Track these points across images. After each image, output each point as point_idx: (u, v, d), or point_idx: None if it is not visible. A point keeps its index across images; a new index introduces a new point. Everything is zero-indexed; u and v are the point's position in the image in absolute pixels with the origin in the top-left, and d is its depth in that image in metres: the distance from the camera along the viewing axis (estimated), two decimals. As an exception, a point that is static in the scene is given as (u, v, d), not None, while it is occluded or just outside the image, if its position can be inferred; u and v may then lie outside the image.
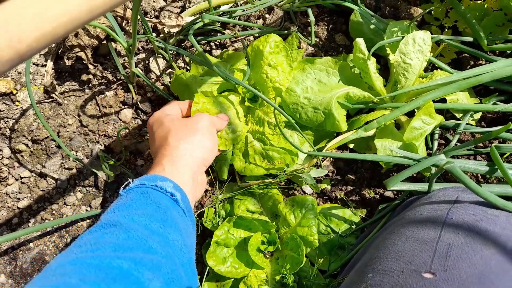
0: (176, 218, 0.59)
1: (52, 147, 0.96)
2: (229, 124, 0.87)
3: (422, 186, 0.82)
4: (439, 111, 0.94)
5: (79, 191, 0.95)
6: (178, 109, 0.82)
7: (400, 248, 0.62)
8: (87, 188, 0.96)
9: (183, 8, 1.07)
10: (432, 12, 1.03)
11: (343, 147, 0.96)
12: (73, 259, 0.47)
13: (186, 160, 0.69)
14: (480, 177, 0.90)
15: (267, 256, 0.86)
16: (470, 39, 0.97)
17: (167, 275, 0.50)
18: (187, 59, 1.03)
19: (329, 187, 0.93)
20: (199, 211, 0.93)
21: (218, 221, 0.88)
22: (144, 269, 0.48)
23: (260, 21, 1.06)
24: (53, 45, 1.00)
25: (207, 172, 0.98)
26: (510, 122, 0.72)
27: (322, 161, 0.95)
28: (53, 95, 0.97)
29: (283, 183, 0.94)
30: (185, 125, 0.73)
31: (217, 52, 1.03)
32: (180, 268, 0.53)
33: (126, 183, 0.64)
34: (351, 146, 0.96)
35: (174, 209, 0.60)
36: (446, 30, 1.01)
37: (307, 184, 0.92)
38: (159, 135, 0.73)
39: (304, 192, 0.94)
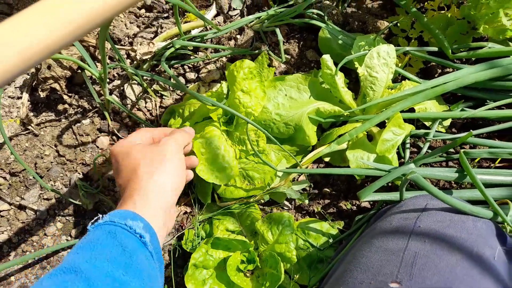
0: (142, 262, 0.57)
1: (30, 179, 0.97)
2: (217, 159, 0.86)
3: (394, 196, 0.83)
4: (409, 121, 0.96)
5: (59, 221, 0.96)
6: (149, 137, 0.78)
7: (369, 260, 0.63)
8: (67, 218, 0.96)
9: (156, 34, 1.10)
10: (398, 24, 1.06)
11: (319, 161, 0.97)
12: None
13: (158, 193, 0.66)
14: (453, 182, 0.92)
15: (248, 275, 0.86)
16: (435, 49, 1.00)
17: None
18: (162, 83, 1.05)
19: (306, 201, 0.94)
20: (179, 234, 0.93)
21: (199, 242, 0.88)
22: None
23: (232, 42, 1.09)
24: (28, 77, 1.01)
25: (187, 193, 0.99)
26: (471, 131, 0.74)
27: (299, 176, 0.96)
28: (29, 127, 0.98)
29: (262, 200, 0.95)
30: (153, 154, 0.70)
31: (191, 74, 1.05)
32: None
33: (95, 218, 0.61)
34: (327, 159, 0.97)
35: (141, 252, 0.58)
36: (413, 41, 1.04)
37: (296, 199, 0.93)
38: (127, 167, 0.69)
39: (282, 208, 0.95)
